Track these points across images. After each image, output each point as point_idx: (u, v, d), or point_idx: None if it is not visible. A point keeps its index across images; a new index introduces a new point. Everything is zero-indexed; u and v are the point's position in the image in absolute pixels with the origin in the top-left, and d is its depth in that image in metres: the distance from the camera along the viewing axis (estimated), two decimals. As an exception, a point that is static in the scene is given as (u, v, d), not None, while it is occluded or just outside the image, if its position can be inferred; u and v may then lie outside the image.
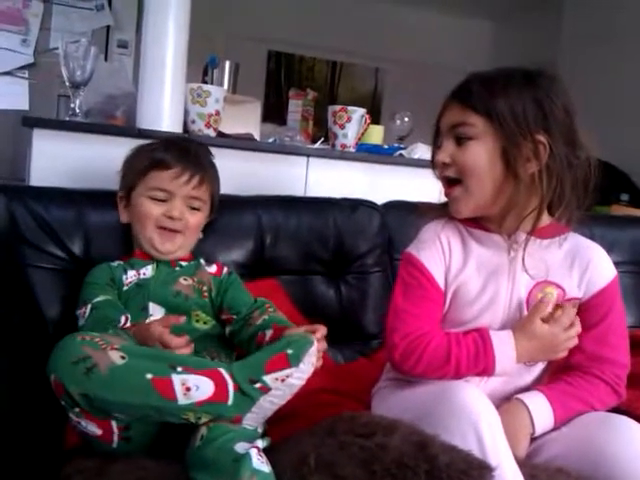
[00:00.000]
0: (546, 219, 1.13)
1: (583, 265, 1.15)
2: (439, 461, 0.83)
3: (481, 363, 1.08)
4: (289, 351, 0.97)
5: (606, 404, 1.13)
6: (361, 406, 1.24)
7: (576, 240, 1.18)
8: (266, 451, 0.92)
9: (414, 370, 1.11)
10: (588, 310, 1.15)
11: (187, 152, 1.33)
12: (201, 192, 1.33)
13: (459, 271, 1.16)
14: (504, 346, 1.08)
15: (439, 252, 1.17)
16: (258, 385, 0.95)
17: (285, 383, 0.96)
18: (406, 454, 0.85)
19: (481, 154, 1.09)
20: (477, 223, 1.18)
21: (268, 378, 0.95)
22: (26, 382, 1.10)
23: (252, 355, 1.00)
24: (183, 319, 1.14)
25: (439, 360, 1.09)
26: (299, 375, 0.96)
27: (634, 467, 0.97)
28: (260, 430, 1.02)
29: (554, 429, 1.09)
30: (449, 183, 1.15)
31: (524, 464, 0.97)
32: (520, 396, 1.10)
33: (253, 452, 0.88)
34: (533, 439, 1.09)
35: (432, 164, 1.18)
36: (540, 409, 1.08)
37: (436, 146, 1.17)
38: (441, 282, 1.16)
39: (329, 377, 1.35)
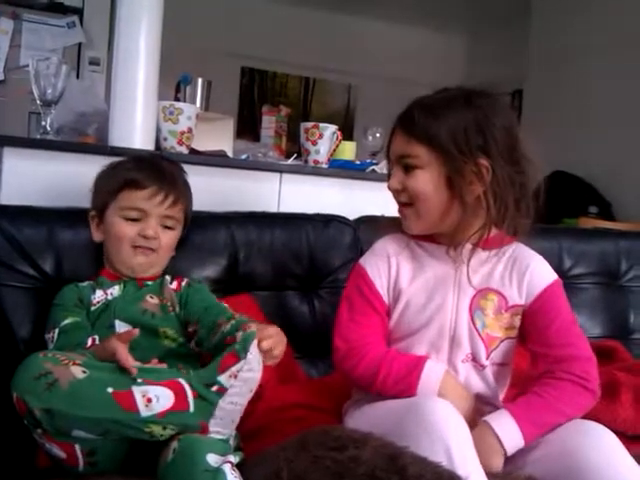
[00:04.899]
0: (493, 230, 1.17)
1: (521, 271, 1.19)
2: (409, 473, 0.84)
3: (404, 384, 1.13)
4: (236, 346, 0.98)
5: (580, 406, 1.12)
6: (334, 420, 1.25)
7: (518, 249, 1.22)
8: (239, 466, 0.93)
9: (351, 374, 1.19)
10: (535, 315, 1.18)
11: (161, 171, 1.32)
12: (175, 211, 1.33)
13: (409, 283, 1.21)
14: (431, 376, 1.13)
15: (386, 265, 1.22)
16: (215, 387, 0.96)
17: (238, 378, 0.96)
18: (377, 466, 0.86)
19: (427, 182, 1.14)
20: (428, 236, 1.22)
21: (222, 378, 0.96)
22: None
23: (209, 363, 1.01)
24: (137, 332, 1.11)
25: (369, 373, 1.15)
26: (249, 367, 0.97)
27: (606, 473, 0.99)
28: (233, 444, 1.03)
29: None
30: (402, 204, 1.20)
31: (493, 474, 0.99)
32: (487, 418, 1.10)
33: (227, 467, 0.89)
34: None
35: (388, 186, 1.22)
36: (507, 430, 1.07)
37: (388, 173, 1.23)
38: (384, 294, 1.22)
39: (302, 391, 1.35)
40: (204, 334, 1.22)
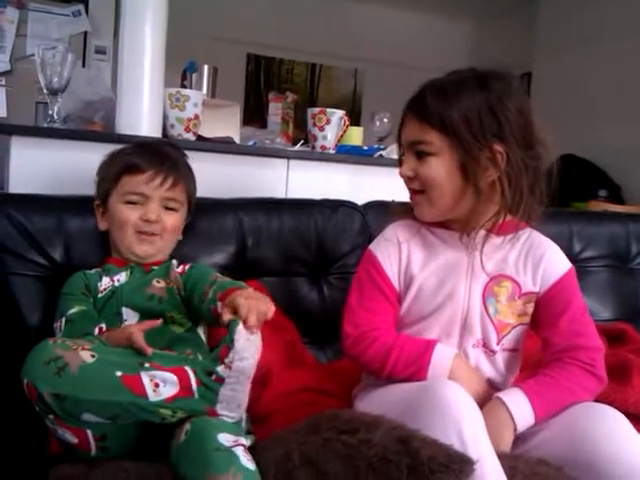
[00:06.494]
0: (507, 216, 1.15)
1: (536, 260, 1.18)
2: (421, 455, 0.84)
3: (415, 367, 1.13)
4: (226, 337, 0.99)
5: (589, 390, 1.13)
6: (344, 405, 1.25)
7: (532, 236, 1.21)
8: (251, 449, 0.93)
9: (361, 358, 1.19)
10: (548, 303, 1.18)
11: (159, 154, 1.33)
12: (176, 193, 1.33)
13: (421, 269, 1.20)
14: (442, 358, 1.13)
15: (397, 251, 1.22)
16: (214, 377, 0.97)
17: (233, 369, 0.97)
18: (389, 449, 0.86)
19: (440, 169, 1.12)
20: (440, 222, 1.21)
21: (220, 368, 0.97)
22: (8, 389, 1.09)
23: (215, 349, 1.02)
24: (159, 322, 1.13)
25: (380, 357, 1.15)
26: (239, 356, 0.97)
27: (616, 454, 0.99)
28: (244, 427, 1.03)
29: (543, 421, 1.10)
30: (414, 191, 1.19)
31: (505, 455, 0.99)
32: (499, 394, 1.11)
33: (239, 450, 0.89)
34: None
35: (400, 173, 1.20)
36: (518, 404, 1.08)
37: (399, 158, 1.21)
38: (395, 281, 1.21)
39: (312, 376, 1.36)
40: (196, 303, 1.22)
